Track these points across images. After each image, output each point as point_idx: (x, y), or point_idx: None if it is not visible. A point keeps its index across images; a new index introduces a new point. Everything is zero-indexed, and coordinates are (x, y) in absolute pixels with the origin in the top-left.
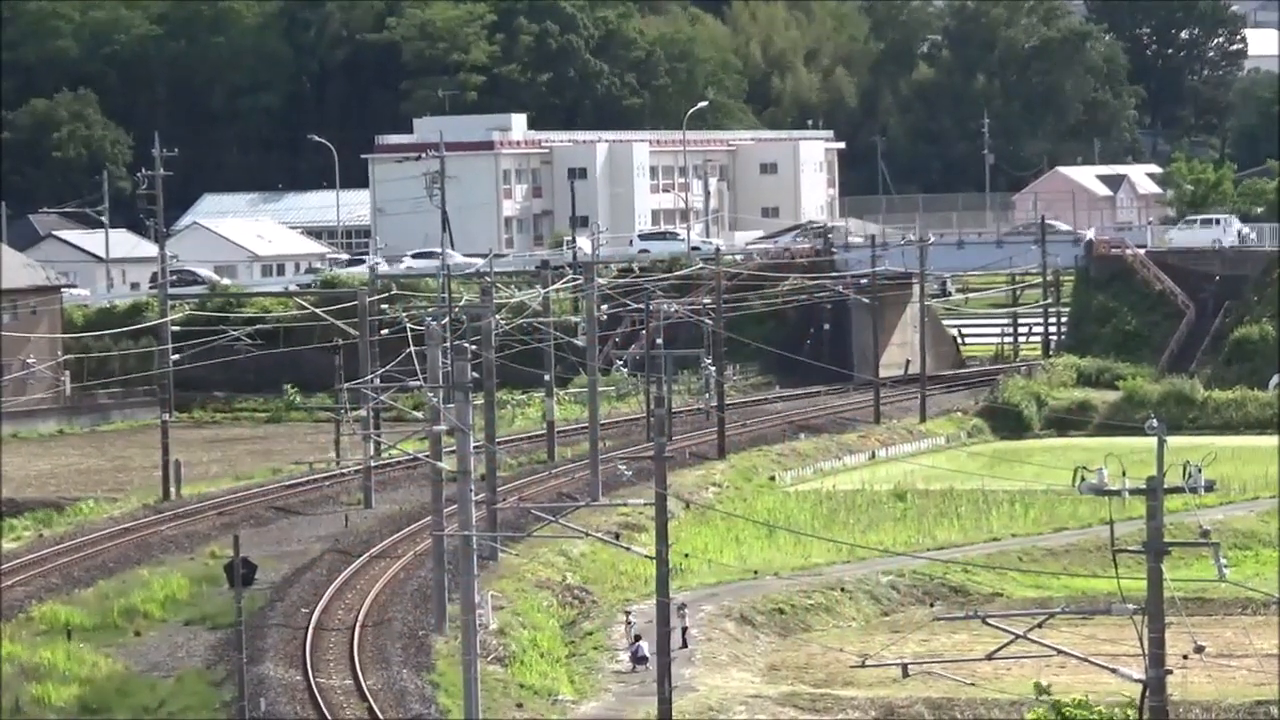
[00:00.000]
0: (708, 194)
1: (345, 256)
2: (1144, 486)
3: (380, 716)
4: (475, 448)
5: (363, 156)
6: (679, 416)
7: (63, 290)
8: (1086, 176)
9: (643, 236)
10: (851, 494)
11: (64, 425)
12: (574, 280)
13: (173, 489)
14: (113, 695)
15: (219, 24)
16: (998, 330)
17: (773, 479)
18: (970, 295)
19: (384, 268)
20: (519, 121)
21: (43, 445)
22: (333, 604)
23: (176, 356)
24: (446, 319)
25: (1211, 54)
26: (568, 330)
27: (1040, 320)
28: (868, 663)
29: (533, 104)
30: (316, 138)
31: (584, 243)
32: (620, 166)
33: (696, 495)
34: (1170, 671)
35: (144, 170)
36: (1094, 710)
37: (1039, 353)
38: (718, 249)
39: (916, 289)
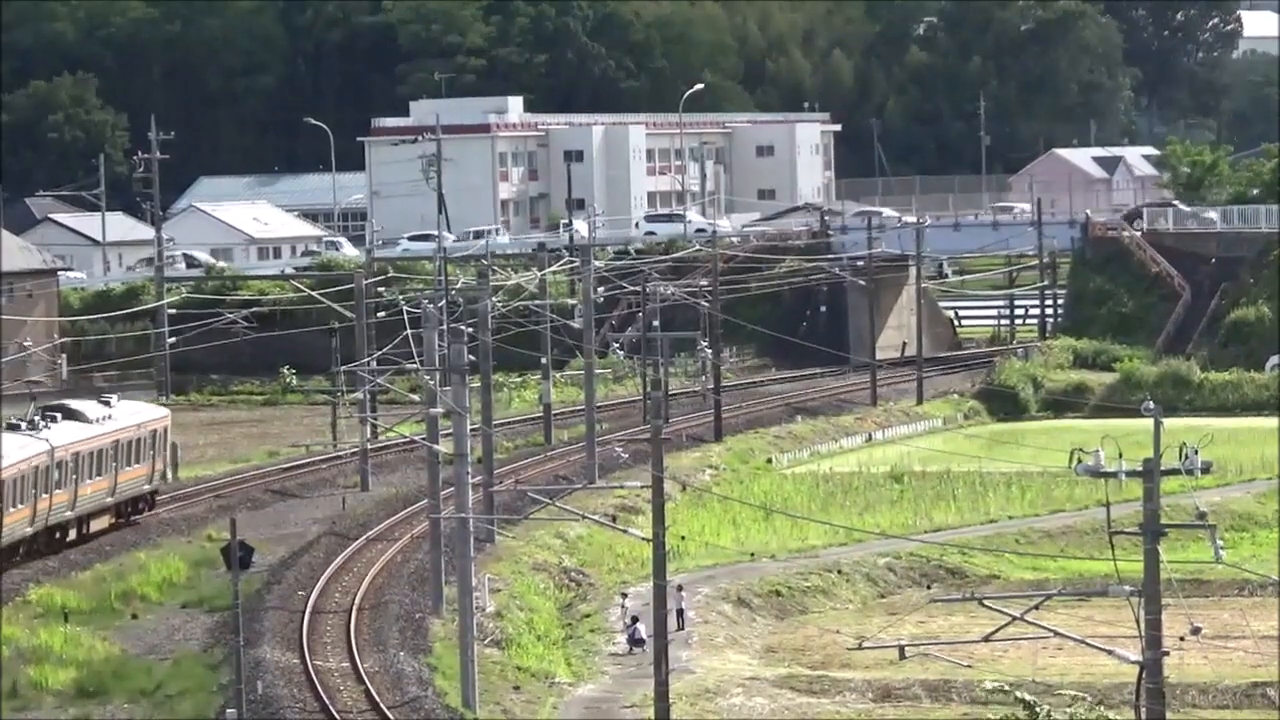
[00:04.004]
0: (704, 176)
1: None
2: (1140, 468)
3: (377, 699)
4: (472, 430)
5: (359, 139)
6: (675, 399)
7: (59, 273)
8: (1082, 158)
9: (649, 218)
10: (848, 476)
11: None
12: (570, 263)
13: (169, 472)
14: (110, 678)
15: (215, 6)
16: (994, 312)
17: (769, 461)
18: (967, 277)
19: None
20: (515, 104)
21: None
22: (330, 587)
23: (173, 339)
24: (443, 301)
25: (1207, 36)
26: (564, 313)
27: (1037, 302)
28: (865, 645)
29: (529, 86)
30: (313, 120)
31: (581, 225)
32: (616, 149)
33: (693, 478)
34: (1167, 653)
35: (141, 153)
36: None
37: (1036, 334)
38: (714, 230)
39: (913, 271)
